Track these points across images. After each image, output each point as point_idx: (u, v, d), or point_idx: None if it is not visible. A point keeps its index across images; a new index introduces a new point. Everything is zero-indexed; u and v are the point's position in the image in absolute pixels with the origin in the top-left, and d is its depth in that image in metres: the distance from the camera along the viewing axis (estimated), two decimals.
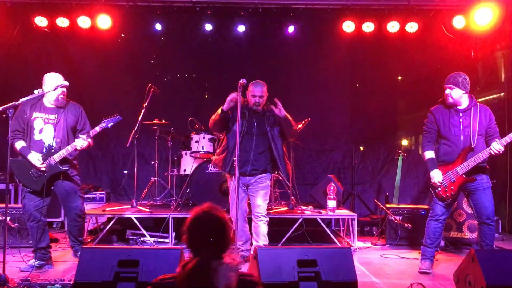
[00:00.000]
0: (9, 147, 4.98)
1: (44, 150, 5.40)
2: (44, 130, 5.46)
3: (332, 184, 7.30)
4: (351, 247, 6.76)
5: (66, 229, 5.69)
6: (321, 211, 7.26)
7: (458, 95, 5.36)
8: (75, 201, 5.67)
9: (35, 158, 5.35)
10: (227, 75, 9.01)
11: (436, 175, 5.39)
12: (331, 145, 9.34)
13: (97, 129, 5.49)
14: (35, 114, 5.45)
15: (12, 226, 6.51)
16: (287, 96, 8.95)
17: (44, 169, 5.35)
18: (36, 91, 5.26)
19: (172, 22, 8.91)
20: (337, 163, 9.28)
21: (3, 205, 6.75)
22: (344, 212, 7.40)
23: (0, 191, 7.81)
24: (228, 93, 8.03)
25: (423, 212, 7.08)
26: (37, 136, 5.44)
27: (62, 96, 5.47)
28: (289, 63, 9.22)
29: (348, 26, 8.55)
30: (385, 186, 9.05)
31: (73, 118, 5.58)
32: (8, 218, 6.35)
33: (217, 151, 6.05)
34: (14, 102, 4.83)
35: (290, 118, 5.80)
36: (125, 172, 9.12)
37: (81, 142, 5.40)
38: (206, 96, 9.58)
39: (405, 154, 7.93)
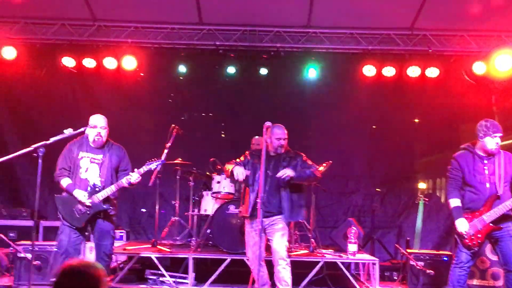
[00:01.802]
0: (39, 181, 5.04)
1: (89, 188, 5.56)
2: (90, 169, 5.64)
3: (353, 227, 7.27)
4: None
5: None
6: (342, 254, 7.21)
7: None
8: (108, 240, 5.71)
9: (81, 194, 5.52)
10: (246, 116, 9.16)
11: (463, 224, 5.32)
12: (351, 188, 9.34)
13: (144, 168, 5.68)
14: (81, 154, 5.65)
15: (33, 263, 6.54)
16: (308, 138, 9.10)
17: (89, 204, 5.50)
18: (66, 131, 5.37)
19: (195, 63, 9.08)
20: (357, 206, 9.24)
21: (27, 242, 6.93)
22: (365, 257, 7.33)
23: (23, 228, 7.91)
24: (246, 133, 8.24)
25: (445, 259, 6.98)
26: (83, 175, 5.63)
27: (98, 137, 5.65)
28: (310, 105, 9.31)
29: (369, 70, 8.64)
30: (405, 230, 8.95)
31: (117, 159, 5.77)
32: (30, 255, 6.38)
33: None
34: (44, 142, 4.96)
35: (306, 172, 5.82)
36: (144, 210, 9.16)
37: (136, 176, 5.59)
38: (223, 135, 9.67)
39: (426, 199, 7.88)
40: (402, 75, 8.66)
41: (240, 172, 5.75)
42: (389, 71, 8.66)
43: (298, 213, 5.90)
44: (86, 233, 5.77)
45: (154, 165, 5.75)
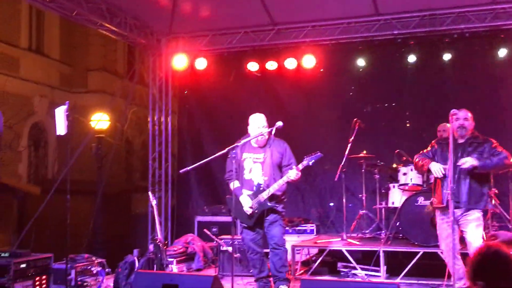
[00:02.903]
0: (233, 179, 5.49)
1: (254, 188, 5.75)
2: (253, 169, 5.82)
3: None
4: None
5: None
6: None
7: None
8: (274, 229, 5.77)
9: (245, 201, 5.72)
10: (429, 104, 8.80)
11: None
12: None
13: (300, 166, 5.64)
14: (244, 155, 5.85)
15: (235, 256, 7.08)
16: (499, 122, 8.39)
17: (251, 210, 5.68)
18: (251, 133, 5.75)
19: (374, 55, 8.99)
20: None
21: (227, 236, 7.55)
22: None
23: (223, 224, 8.62)
24: (430, 122, 7.88)
25: None
26: (247, 176, 5.84)
27: (261, 137, 5.77)
28: (500, 87, 8.57)
29: None
30: None
31: (278, 155, 5.81)
32: (231, 248, 6.93)
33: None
34: (236, 144, 5.37)
35: (493, 160, 5.42)
36: (331, 204, 9.33)
37: (294, 173, 5.59)
38: (408, 125, 9.38)
39: None
40: None
41: (437, 170, 5.50)
42: None
43: (478, 201, 5.50)
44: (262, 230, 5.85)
45: (308, 161, 5.61)
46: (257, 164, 5.82)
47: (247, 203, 5.71)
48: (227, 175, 5.91)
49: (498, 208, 7.43)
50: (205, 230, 7.89)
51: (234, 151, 5.39)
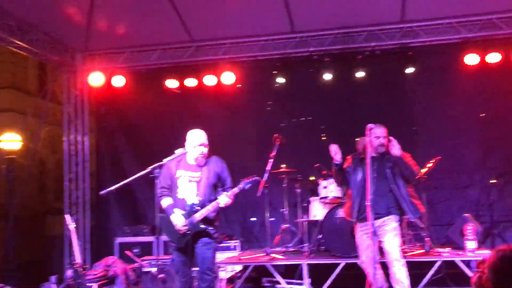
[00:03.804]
0: (156, 200, 5.24)
1: (187, 208, 5.40)
2: (187, 188, 5.46)
3: (470, 224, 6.98)
4: None
5: None
6: (460, 252, 6.94)
7: None
8: (207, 252, 5.47)
9: (177, 219, 5.38)
10: (346, 119, 9.12)
11: None
12: (465, 182, 8.89)
13: (236, 190, 5.44)
14: (179, 172, 5.50)
15: (159, 277, 6.94)
16: (413, 135, 8.88)
17: (185, 230, 5.36)
18: (176, 151, 5.45)
19: (291, 71, 9.20)
20: (473, 200, 8.80)
21: (150, 257, 7.39)
22: (486, 253, 7.00)
23: (146, 244, 8.43)
24: (347, 136, 8.19)
25: None
26: (180, 195, 5.47)
27: (201, 155, 5.48)
28: (412, 102, 9.12)
29: (472, 59, 8.28)
30: None
31: (215, 174, 5.53)
32: (155, 269, 6.79)
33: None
34: (159, 163, 5.23)
35: (408, 159, 5.68)
36: (253, 219, 9.39)
37: (225, 199, 5.37)
38: (324, 138, 9.66)
39: None
40: (508, 59, 8.22)
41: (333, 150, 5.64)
42: (493, 58, 8.24)
43: (394, 211, 5.71)
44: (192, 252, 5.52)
45: (245, 184, 5.46)
46: (193, 183, 5.48)
47: (179, 222, 5.39)
48: (159, 191, 5.51)
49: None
50: (126, 251, 7.68)
51: (157, 170, 5.22)
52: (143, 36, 8.71)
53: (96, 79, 9.02)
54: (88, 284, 6.64)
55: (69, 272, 6.87)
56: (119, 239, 8.78)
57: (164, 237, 8.20)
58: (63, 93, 9.40)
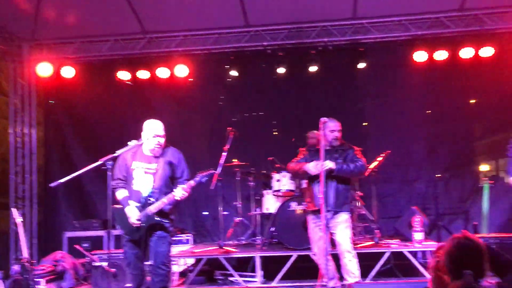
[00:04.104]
0: (109, 192, 5.03)
1: (142, 200, 5.29)
2: (143, 180, 5.34)
3: (417, 216, 7.20)
4: None
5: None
6: (408, 244, 7.15)
7: None
8: (161, 246, 5.36)
9: (131, 213, 5.27)
10: (299, 113, 9.25)
11: None
12: (413, 176, 9.18)
13: (192, 183, 5.33)
14: (135, 164, 5.37)
15: (110, 271, 6.83)
16: (364, 130, 9.08)
17: (139, 222, 5.25)
18: (130, 143, 5.28)
19: (245, 65, 9.22)
20: (420, 193, 9.09)
21: (100, 251, 7.26)
22: (432, 244, 7.24)
23: (96, 238, 8.27)
24: (301, 130, 8.31)
25: None
26: (135, 187, 5.35)
27: (158, 146, 5.36)
28: (363, 97, 9.34)
29: (420, 56, 8.50)
30: (473, 215, 8.75)
31: (171, 167, 5.43)
32: (106, 263, 6.67)
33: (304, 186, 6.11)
34: (112, 155, 5.08)
35: (350, 166, 5.77)
36: (206, 213, 9.38)
37: (181, 192, 5.26)
38: (275, 133, 9.75)
39: (492, 182, 7.69)
40: (455, 57, 8.52)
41: (313, 166, 5.68)
42: (441, 55, 8.51)
43: (344, 204, 5.84)
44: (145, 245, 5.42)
45: (201, 178, 5.36)
46: (148, 175, 5.35)
47: (134, 215, 5.26)
48: (113, 182, 5.35)
49: (363, 209, 7.98)
50: (76, 246, 7.53)
51: (110, 162, 5.08)
52: (95, 26, 8.49)
53: (44, 69, 8.74)
54: (35, 280, 6.47)
55: (15, 267, 6.68)
56: (68, 234, 8.58)
57: (115, 231, 8.11)
58: (9, 84, 9.07)
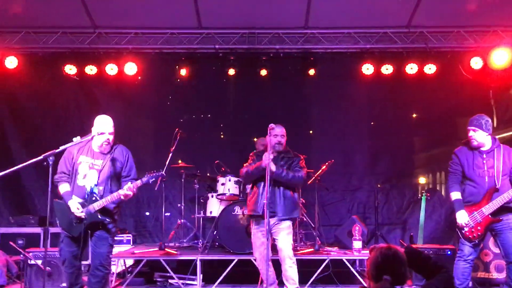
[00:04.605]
0: (50, 189, 4.80)
1: (86, 196, 5.18)
2: (88, 176, 5.24)
3: (357, 225, 7.36)
4: None
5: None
6: (347, 252, 7.31)
7: (481, 137, 5.47)
8: (102, 247, 5.27)
9: (74, 205, 5.15)
10: (248, 117, 9.36)
11: (462, 216, 5.45)
12: (355, 185, 9.40)
13: (139, 183, 5.27)
14: (81, 158, 5.28)
15: (44, 270, 6.62)
16: (309, 138, 9.23)
17: (83, 216, 5.15)
18: (75, 139, 5.13)
19: (196, 67, 9.16)
20: (361, 203, 9.31)
21: (35, 249, 7.03)
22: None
23: (31, 235, 8.00)
24: (247, 134, 8.35)
25: (449, 252, 7.04)
26: (80, 182, 5.24)
27: (106, 143, 5.29)
28: (310, 105, 9.49)
29: (368, 69, 8.73)
30: (410, 226, 9.04)
31: (118, 164, 5.35)
32: (40, 262, 6.47)
33: (250, 195, 6.13)
34: (54, 150, 4.91)
35: (289, 174, 5.83)
36: (147, 214, 9.26)
37: (127, 191, 5.17)
38: (222, 137, 9.76)
39: (428, 194, 7.96)
40: (400, 72, 8.79)
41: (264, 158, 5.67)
42: (387, 69, 8.78)
43: (291, 210, 5.90)
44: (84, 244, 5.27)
45: (149, 178, 5.33)
46: (93, 171, 5.25)
47: (77, 209, 5.13)
48: (57, 176, 5.25)
49: (305, 216, 8.09)
50: (10, 242, 7.26)
51: (51, 158, 4.91)
52: (41, 17, 8.22)
53: None
54: None
55: None
56: (2, 230, 8.24)
57: (52, 229, 7.84)
58: None
